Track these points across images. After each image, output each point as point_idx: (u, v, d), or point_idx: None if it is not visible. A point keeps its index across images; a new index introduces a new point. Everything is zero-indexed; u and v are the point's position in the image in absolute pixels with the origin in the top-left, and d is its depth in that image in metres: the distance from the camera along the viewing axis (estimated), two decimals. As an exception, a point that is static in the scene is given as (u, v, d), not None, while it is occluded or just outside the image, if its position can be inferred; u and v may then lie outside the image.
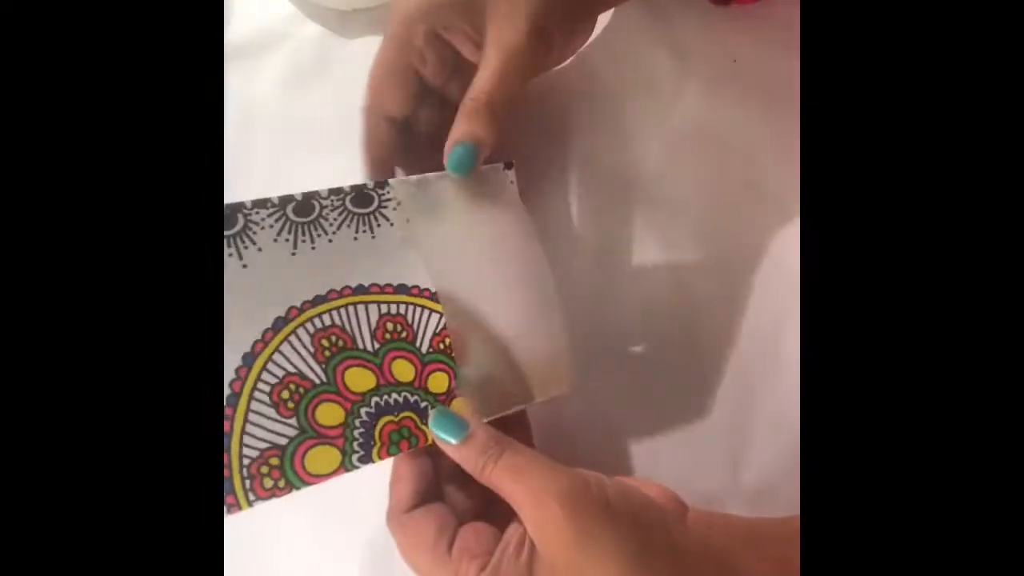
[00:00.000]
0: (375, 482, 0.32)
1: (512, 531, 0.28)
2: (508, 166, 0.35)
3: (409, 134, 0.37)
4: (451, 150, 0.32)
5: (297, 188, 0.32)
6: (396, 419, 0.30)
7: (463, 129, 0.32)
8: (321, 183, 0.33)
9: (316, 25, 0.43)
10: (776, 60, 0.41)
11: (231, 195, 0.32)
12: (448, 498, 0.32)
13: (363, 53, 0.38)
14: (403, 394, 0.31)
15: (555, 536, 0.25)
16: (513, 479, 0.27)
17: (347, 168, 0.37)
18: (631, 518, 0.26)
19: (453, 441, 0.29)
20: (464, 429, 0.29)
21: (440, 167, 0.33)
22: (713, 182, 0.40)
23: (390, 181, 0.32)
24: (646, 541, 0.25)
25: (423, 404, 0.31)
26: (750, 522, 0.30)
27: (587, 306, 0.39)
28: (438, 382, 0.31)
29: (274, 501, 0.28)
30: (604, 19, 0.43)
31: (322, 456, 0.29)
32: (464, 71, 0.34)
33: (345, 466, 0.29)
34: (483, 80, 0.32)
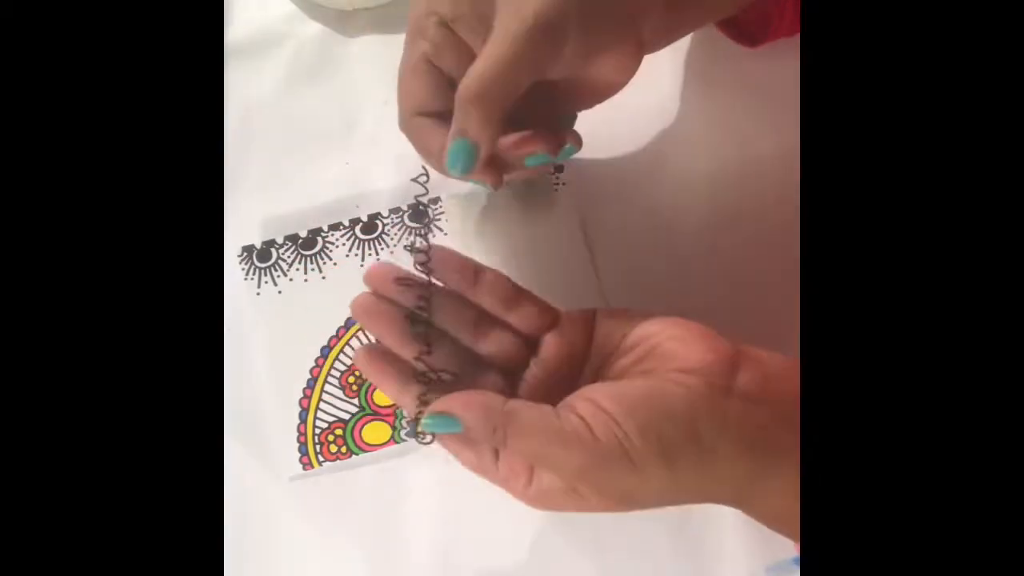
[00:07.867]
0: (376, 483, 0.35)
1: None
2: (559, 169, 0.38)
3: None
4: (447, 148, 0.30)
5: (297, 189, 0.38)
6: (440, 401, 0.35)
7: (455, 127, 0.29)
8: (321, 183, 0.39)
9: (317, 25, 0.42)
10: (776, 60, 0.39)
11: (231, 195, 0.38)
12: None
13: (363, 53, 0.41)
14: (449, 380, 0.35)
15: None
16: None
17: (348, 168, 0.39)
18: None
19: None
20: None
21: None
22: (713, 181, 0.38)
23: (441, 196, 0.38)
24: None
25: (467, 388, 0.35)
26: None
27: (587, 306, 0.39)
28: (483, 369, 0.35)
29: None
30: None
31: (376, 430, 0.35)
32: None
33: (395, 439, 0.35)
34: (476, 69, 0.28)
